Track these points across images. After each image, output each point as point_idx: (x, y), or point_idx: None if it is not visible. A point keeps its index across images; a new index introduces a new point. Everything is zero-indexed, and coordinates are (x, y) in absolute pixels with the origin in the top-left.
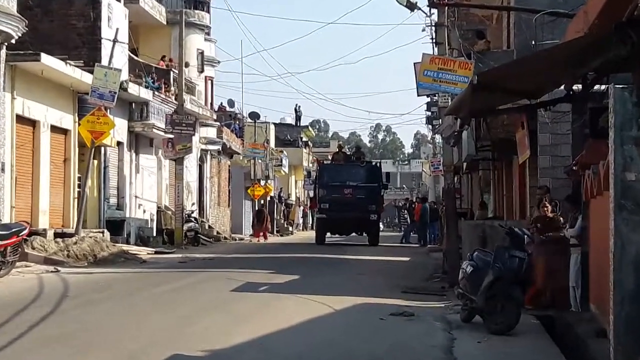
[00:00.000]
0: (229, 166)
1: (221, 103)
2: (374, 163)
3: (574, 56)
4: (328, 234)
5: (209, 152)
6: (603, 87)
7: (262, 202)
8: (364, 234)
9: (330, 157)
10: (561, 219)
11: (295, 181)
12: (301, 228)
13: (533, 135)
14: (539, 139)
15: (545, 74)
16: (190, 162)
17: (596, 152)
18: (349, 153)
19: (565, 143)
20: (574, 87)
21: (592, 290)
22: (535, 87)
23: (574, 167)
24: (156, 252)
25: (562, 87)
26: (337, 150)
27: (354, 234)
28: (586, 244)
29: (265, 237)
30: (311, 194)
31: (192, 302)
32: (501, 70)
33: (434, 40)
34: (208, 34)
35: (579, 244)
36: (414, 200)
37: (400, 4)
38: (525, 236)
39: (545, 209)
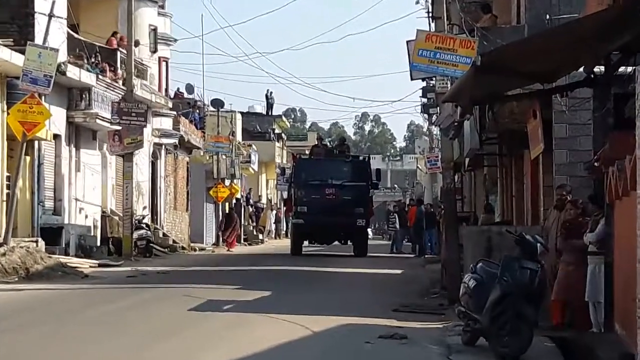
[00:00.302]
0: (188, 163)
1: (178, 89)
2: (361, 158)
3: (595, 33)
4: (305, 243)
5: (163, 147)
6: (629, 69)
7: (231, 204)
8: (349, 243)
9: (308, 152)
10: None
11: (267, 181)
12: (273, 236)
13: (547, 126)
14: (555, 130)
15: (561, 53)
16: (141, 159)
17: (621, 146)
18: (330, 146)
19: (585, 135)
20: (596, 69)
21: (617, 307)
22: (549, 69)
23: (595, 163)
24: (100, 265)
25: (582, 69)
26: (317, 142)
27: (336, 242)
28: (610, 253)
29: (232, 246)
30: (285, 195)
31: (143, 325)
32: (510, 49)
33: (430, 15)
34: (162, 7)
35: (599, 251)
36: (407, 202)
37: None
38: (538, 244)
39: (572, 211)
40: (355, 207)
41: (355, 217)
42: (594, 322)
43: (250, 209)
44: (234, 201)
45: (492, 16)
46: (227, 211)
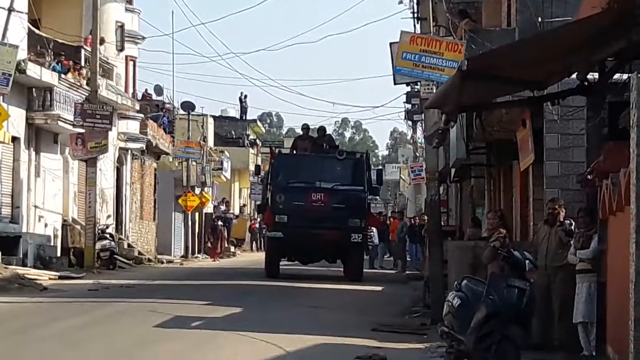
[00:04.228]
0: (155, 170)
1: (146, 90)
2: (358, 155)
3: (589, 38)
4: (284, 260)
5: (129, 152)
6: (624, 76)
7: (220, 215)
8: (339, 262)
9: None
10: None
11: (240, 189)
12: (249, 248)
13: (538, 136)
14: (546, 140)
15: (553, 59)
16: (106, 164)
17: (616, 158)
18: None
19: (578, 146)
20: (589, 76)
21: (610, 328)
22: (540, 75)
23: (588, 176)
24: (60, 277)
25: (574, 75)
26: (302, 134)
27: (323, 261)
28: (602, 271)
29: (217, 257)
30: (260, 201)
31: (104, 342)
32: (499, 53)
33: (415, 15)
34: (130, 2)
35: (592, 269)
36: (389, 214)
37: None
38: (527, 261)
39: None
40: (349, 217)
41: (350, 231)
42: (585, 345)
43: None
44: (208, 210)
45: (469, 21)
46: (214, 224)
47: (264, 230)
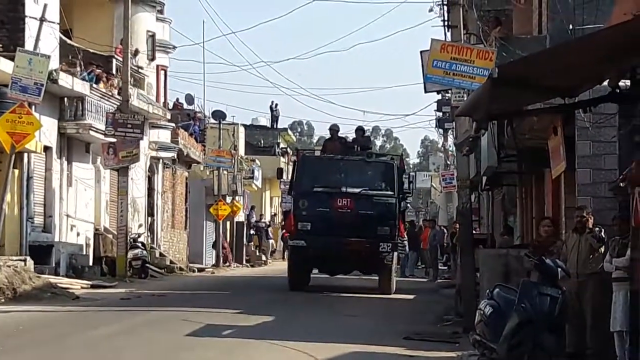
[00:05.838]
0: (187, 178)
1: (177, 99)
2: (389, 158)
3: (621, 44)
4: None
5: (160, 161)
6: None
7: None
8: (371, 274)
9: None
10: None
11: (271, 198)
12: (281, 257)
13: (570, 143)
14: (577, 147)
15: (584, 66)
16: (137, 173)
17: None
18: (349, 141)
19: (610, 153)
20: (621, 84)
21: None
22: (572, 82)
23: (621, 184)
24: (92, 286)
25: (606, 83)
26: (331, 136)
27: (355, 272)
28: (636, 280)
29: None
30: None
31: (136, 351)
32: (529, 61)
33: (446, 23)
34: (161, 12)
35: (629, 277)
36: (421, 223)
37: None
38: (559, 269)
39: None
40: (378, 225)
41: (379, 240)
42: (620, 354)
43: (250, 230)
44: (241, 219)
45: (501, 29)
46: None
47: (289, 238)
